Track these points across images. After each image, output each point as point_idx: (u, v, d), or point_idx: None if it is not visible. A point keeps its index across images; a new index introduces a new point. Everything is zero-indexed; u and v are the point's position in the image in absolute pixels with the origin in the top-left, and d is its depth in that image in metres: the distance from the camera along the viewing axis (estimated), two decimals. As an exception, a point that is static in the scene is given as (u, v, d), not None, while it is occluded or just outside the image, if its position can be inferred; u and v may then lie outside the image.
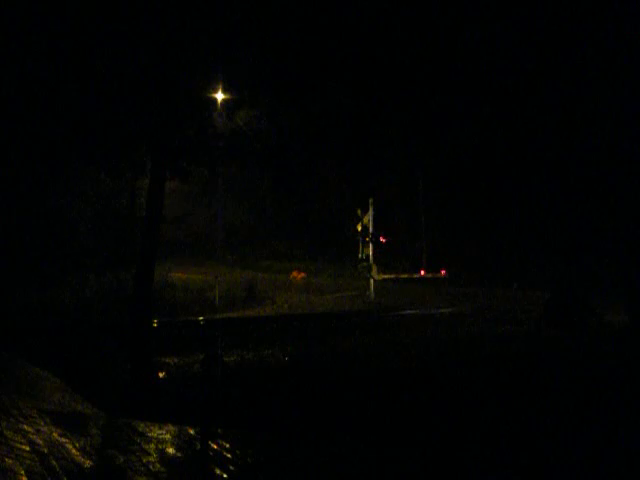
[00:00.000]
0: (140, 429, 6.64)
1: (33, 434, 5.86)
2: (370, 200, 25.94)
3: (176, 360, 12.28)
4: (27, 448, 5.34)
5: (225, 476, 5.14)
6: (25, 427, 6.06)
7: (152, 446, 5.98)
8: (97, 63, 13.34)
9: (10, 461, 4.87)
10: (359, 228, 26.43)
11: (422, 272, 29.57)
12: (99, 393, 8.90)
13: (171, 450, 5.99)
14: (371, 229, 26.21)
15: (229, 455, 5.79)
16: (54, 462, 5.06)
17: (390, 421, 7.70)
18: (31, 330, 15.11)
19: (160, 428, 6.75)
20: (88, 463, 5.28)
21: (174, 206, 27.59)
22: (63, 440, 5.86)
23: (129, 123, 14.44)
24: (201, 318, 18.76)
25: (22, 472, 4.67)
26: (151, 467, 5.25)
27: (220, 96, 16.57)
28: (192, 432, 6.70)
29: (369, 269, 26.28)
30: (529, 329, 15.97)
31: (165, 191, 14.89)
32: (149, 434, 6.48)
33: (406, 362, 11.77)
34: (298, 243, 34.83)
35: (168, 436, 6.52)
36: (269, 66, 15.05)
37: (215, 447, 6.13)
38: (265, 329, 16.43)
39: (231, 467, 5.36)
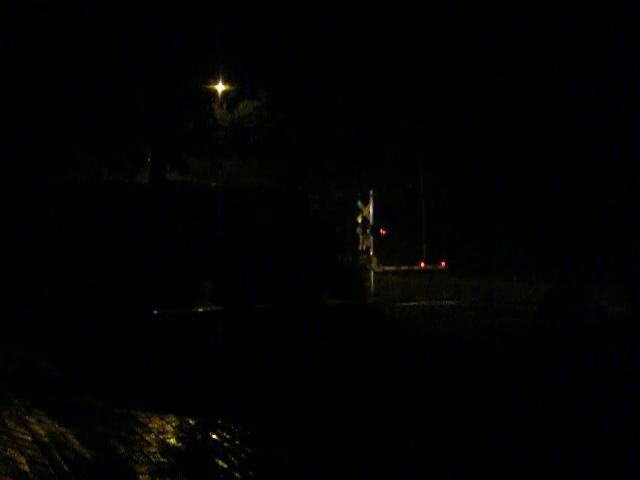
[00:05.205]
0: (141, 420, 6.68)
1: (35, 424, 5.90)
2: (370, 192, 25.89)
3: (177, 351, 12.30)
4: (29, 438, 5.38)
5: (226, 467, 5.17)
6: (27, 417, 6.10)
7: (153, 437, 6.02)
8: (97, 54, 13.33)
9: (12, 451, 4.91)
10: (359, 220, 26.39)
11: (422, 264, 29.59)
12: (100, 384, 8.93)
13: (172, 441, 6.02)
14: (371, 221, 26.17)
15: (230, 446, 5.82)
16: (55, 452, 5.09)
17: (386, 416, 7.73)
18: (32, 320, 15.12)
19: (161, 419, 6.78)
20: (89, 453, 5.31)
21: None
22: (64, 430, 5.89)
23: (129, 114, 14.43)
24: (201, 309, 18.78)
25: (24, 461, 4.71)
26: (152, 457, 5.28)
27: (220, 87, 16.51)
28: (193, 423, 6.73)
29: (369, 261, 26.27)
30: (527, 322, 15.98)
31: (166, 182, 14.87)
32: (150, 425, 6.52)
33: (404, 357, 11.81)
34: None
35: (169, 427, 6.55)
36: (269, 57, 15.01)
37: (216, 438, 6.17)
38: (267, 320, 16.44)
39: (232, 458, 5.39)
